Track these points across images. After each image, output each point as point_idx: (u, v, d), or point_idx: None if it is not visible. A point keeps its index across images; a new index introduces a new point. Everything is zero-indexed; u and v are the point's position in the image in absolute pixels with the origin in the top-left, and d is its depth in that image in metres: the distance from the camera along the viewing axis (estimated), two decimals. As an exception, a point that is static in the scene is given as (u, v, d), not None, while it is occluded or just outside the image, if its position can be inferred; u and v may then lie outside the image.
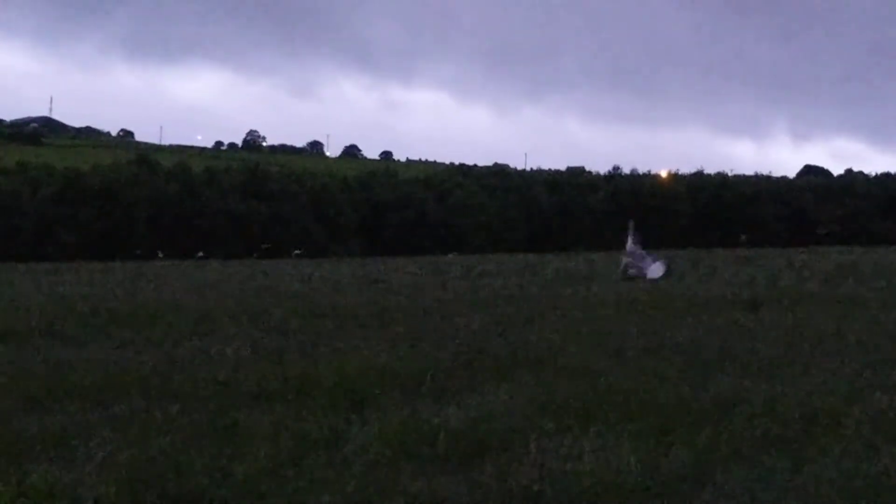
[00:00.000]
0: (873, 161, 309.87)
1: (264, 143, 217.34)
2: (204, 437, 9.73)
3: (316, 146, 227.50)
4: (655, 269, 37.57)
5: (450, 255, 70.98)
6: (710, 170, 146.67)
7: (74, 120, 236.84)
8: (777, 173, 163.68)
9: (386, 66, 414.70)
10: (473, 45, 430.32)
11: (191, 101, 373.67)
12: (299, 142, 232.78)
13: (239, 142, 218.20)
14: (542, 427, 9.81)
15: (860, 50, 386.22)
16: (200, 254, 74.75)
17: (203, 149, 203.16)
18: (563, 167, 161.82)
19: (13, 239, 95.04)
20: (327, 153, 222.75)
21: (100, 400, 11.66)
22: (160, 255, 73.53)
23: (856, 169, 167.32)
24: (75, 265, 61.86)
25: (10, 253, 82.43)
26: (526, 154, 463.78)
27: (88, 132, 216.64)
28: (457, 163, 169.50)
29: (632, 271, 37.61)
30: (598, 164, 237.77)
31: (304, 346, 15.97)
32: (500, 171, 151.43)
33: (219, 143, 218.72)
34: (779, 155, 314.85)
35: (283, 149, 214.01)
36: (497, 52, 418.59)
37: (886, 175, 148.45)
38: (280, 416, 10.70)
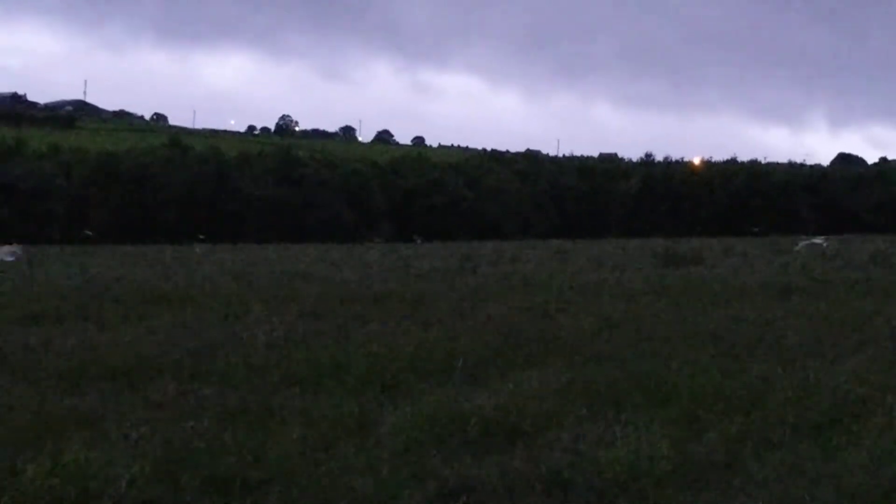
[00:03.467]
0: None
1: (297, 128, 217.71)
2: (237, 420, 9.80)
3: (348, 131, 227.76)
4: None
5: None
6: (744, 157, 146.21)
7: (108, 103, 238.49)
8: (811, 161, 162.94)
9: (417, 49, 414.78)
10: (505, 27, 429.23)
11: (223, 84, 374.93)
12: (331, 126, 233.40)
13: (271, 126, 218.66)
14: (574, 413, 9.83)
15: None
16: (202, 237, 74.26)
17: (236, 133, 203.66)
18: (595, 153, 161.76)
19: (47, 222, 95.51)
20: (359, 138, 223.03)
21: (133, 382, 11.75)
22: (201, 237, 73.23)
23: (891, 157, 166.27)
24: (110, 248, 62.17)
25: (44, 236, 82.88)
26: (559, 140, 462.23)
27: (122, 116, 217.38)
28: (489, 148, 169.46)
29: None
30: (631, 151, 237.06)
31: (336, 331, 16.01)
32: (531, 157, 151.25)
33: (251, 128, 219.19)
34: (814, 142, 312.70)
35: (316, 134, 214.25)
36: (529, 35, 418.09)
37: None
38: (312, 399, 10.75)
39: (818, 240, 40.00)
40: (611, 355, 13.35)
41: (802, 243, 40.94)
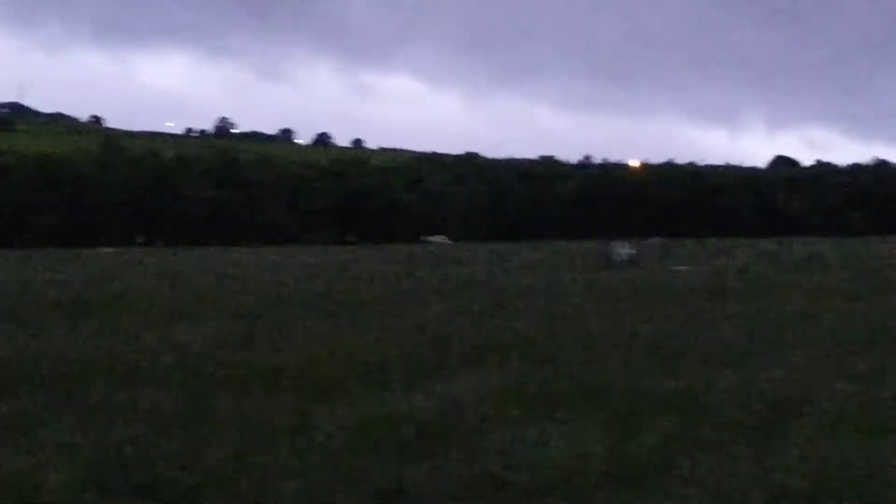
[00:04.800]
0: (845, 151, 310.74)
1: (235, 130, 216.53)
2: (171, 424, 9.69)
3: (287, 133, 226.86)
4: None
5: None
6: (682, 160, 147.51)
7: (44, 105, 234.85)
8: (749, 163, 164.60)
9: (358, 51, 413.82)
10: (446, 30, 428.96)
11: (161, 85, 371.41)
12: (270, 128, 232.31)
13: (210, 128, 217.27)
14: (510, 415, 9.82)
15: (842, 39, 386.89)
16: (140, 239, 73.80)
17: (174, 135, 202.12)
18: (535, 156, 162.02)
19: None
20: (299, 140, 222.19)
21: (65, 387, 11.59)
22: (139, 240, 72.76)
23: (826, 159, 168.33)
24: (46, 251, 61.54)
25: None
26: (498, 143, 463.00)
27: (59, 118, 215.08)
28: (429, 151, 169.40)
29: None
30: (571, 154, 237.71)
31: (272, 334, 15.92)
32: (471, 160, 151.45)
33: (189, 130, 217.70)
34: (752, 144, 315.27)
35: (255, 136, 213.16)
36: (470, 38, 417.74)
37: (856, 166, 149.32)
38: (247, 403, 10.66)
39: (625, 247, 39.55)
40: (547, 357, 13.37)
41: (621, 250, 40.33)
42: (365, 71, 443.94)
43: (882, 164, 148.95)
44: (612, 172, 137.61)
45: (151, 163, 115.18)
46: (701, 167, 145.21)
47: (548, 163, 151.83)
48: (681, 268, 35.76)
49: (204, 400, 10.85)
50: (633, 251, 40.65)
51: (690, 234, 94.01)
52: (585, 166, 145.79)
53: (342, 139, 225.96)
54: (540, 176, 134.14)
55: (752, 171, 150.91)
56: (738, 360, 12.99)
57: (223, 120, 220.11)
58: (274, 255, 56.14)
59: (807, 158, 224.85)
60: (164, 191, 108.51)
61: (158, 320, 18.00)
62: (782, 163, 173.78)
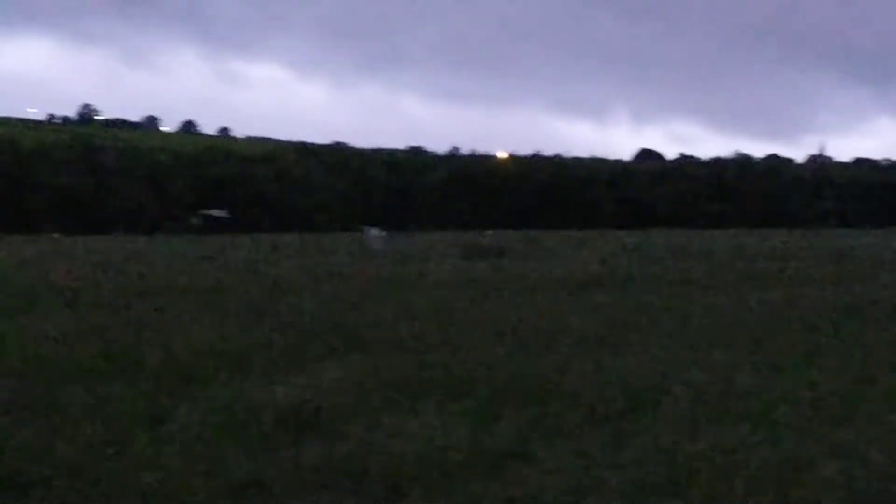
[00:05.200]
0: (708, 144, 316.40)
1: (99, 117, 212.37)
2: (25, 416, 9.49)
3: (152, 121, 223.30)
4: None
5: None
6: (549, 151, 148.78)
7: None
8: (614, 156, 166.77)
9: (223, 38, 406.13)
10: (312, 17, 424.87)
11: (21, 70, 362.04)
12: (135, 116, 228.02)
13: (73, 114, 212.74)
14: (370, 404, 9.82)
15: (706, 34, 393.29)
16: None
17: (36, 122, 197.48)
18: (403, 146, 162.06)
19: None
20: (164, 128, 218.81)
21: None
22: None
23: (690, 153, 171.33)
24: None
25: None
26: (366, 133, 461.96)
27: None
28: (297, 140, 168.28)
29: None
30: (439, 145, 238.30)
31: (132, 324, 15.68)
32: (338, 150, 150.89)
33: (52, 117, 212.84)
34: (617, 137, 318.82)
35: (119, 123, 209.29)
36: (337, 26, 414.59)
37: (717, 159, 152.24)
38: (105, 394, 10.48)
39: (375, 231, 39.81)
40: (409, 347, 13.40)
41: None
42: (231, 58, 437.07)
43: (743, 158, 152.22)
44: (479, 163, 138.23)
45: (7, 150, 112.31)
46: (567, 159, 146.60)
47: (415, 153, 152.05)
48: (545, 259, 36.12)
49: (59, 391, 10.64)
50: (384, 235, 40.73)
51: (556, 226, 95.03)
52: (453, 157, 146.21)
53: (209, 127, 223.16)
54: (407, 166, 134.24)
55: (617, 164, 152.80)
56: (598, 350, 13.15)
57: (86, 107, 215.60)
58: (135, 243, 55.29)
59: (671, 152, 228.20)
60: (21, 179, 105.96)
61: (14, 309, 17.60)
62: (646, 156, 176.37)
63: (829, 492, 7.19)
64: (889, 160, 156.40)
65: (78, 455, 8.10)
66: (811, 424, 9.09)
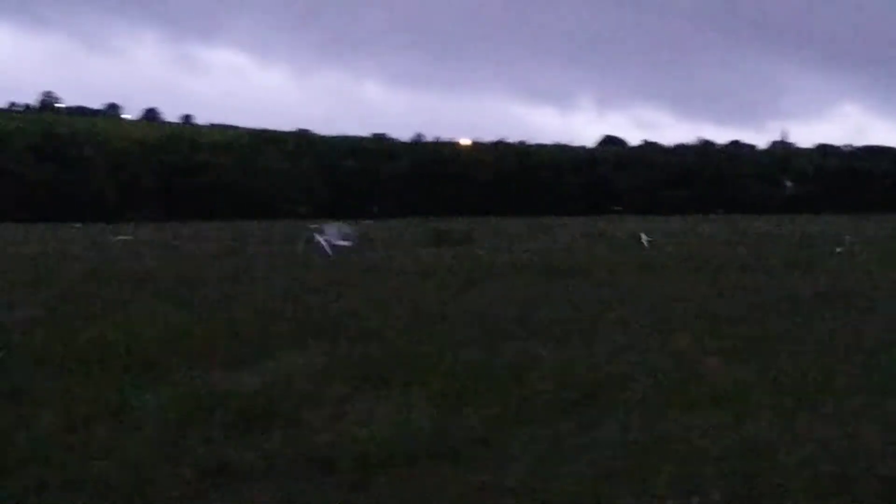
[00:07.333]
0: (672, 130, 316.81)
1: (61, 104, 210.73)
2: (-15, 404, 9.42)
3: (114, 108, 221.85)
4: None
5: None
6: (513, 138, 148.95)
7: None
8: (578, 143, 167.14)
9: (184, 23, 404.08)
10: (273, 1, 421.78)
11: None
12: (97, 103, 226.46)
13: (34, 102, 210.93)
14: (336, 392, 9.79)
15: (670, 20, 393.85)
16: None
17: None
18: (366, 133, 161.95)
19: None
20: (126, 115, 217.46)
21: None
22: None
23: (654, 139, 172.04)
24: None
25: None
26: (329, 120, 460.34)
27: None
28: (260, 127, 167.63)
29: None
30: (402, 131, 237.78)
31: (96, 311, 15.59)
32: (302, 137, 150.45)
33: (13, 104, 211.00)
34: (582, 123, 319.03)
35: (80, 111, 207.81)
36: (298, 11, 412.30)
37: (681, 146, 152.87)
38: (68, 381, 10.40)
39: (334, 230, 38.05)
40: (376, 334, 13.37)
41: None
42: (192, 44, 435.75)
43: (705, 144, 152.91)
44: (443, 150, 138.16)
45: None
46: (531, 146, 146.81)
47: (379, 140, 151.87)
48: (511, 245, 36.13)
49: (22, 378, 10.56)
50: (351, 232, 39.96)
51: (520, 213, 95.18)
52: (416, 144, 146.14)
53: (171, 114, 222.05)
54: (371, 153, 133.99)
55: (581, 151, 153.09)
56: (562, 337, 13.17)
57: (47, 94, 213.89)
58: (98, 232, 54.94)
59: (635, 138, 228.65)
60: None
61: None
62: (610, 142, 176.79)
63: (794, 477, 7.22)
64: (851, 146, 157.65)
65: (41, 442, 8.04)
66: (775, 411, 9.12)
